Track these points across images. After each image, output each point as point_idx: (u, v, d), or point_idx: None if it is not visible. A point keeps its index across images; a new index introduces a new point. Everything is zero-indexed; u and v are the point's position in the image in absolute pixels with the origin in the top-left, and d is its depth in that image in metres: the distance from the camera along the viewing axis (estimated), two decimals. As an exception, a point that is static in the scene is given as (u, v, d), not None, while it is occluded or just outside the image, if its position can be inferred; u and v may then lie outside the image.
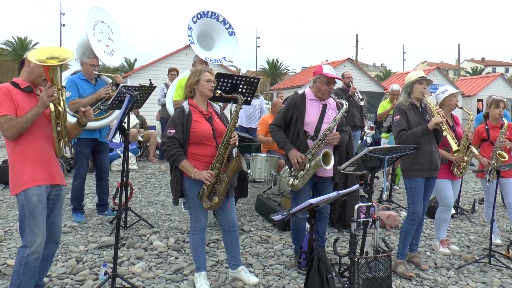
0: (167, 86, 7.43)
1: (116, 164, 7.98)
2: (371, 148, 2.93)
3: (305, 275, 3.01)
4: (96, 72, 4.77)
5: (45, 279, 3.20)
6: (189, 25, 5.62)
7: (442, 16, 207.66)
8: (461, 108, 4.27)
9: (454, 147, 3.72)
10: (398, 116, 3.71)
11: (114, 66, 5.60)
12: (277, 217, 2.83)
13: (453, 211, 5.31)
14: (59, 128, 2.81)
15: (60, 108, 2.76)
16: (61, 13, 32.50)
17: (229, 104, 4.73)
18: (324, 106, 3.61)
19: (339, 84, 5.49)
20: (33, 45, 33.02)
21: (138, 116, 9.67)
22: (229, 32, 5.90)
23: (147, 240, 4.27)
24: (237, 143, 3.16)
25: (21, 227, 2.71)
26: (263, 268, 3.73)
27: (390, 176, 6.57)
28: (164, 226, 4.74)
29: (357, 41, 33.20)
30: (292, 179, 3.55)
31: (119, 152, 8.05)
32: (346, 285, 2.97)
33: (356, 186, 3.10)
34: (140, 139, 9.33)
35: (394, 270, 3.59)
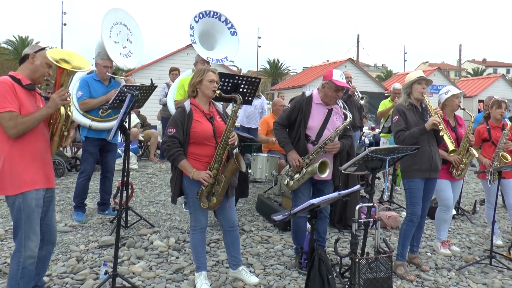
0: (168, 85, 7.41)
1: (117, 164, 7.96)
2: (372, 148, 2.94)
3: (306, 275, 3.01)
4: (109, 74, 4.80)
5: (45, 278, 3.20)
6: (191, 25, 5.61)
7: (444, 17, 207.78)
8: (463, 109, 4.26)
9: (450, 147, 3.71)
10: (397, 117, 3.70)
11: (129, 68, 5.55)
12: (278, 217, 2.82)
13: (454, 212, 5.29)
14: (65, 132, 2.81)
15: (69, 112, 2.77)
16: (62, 13, 32.66)
17: (231, 104, 4.73)
18: (330, 111, 3.59)
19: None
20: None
21: (139, 115, 9.67)
22: (231, 32, 5.89)
23: (148, 239, 4.27)
24: (236, 143, 3.14)
25: (15, 229, 2.64)
26: (263, 268, 3.73)
27: (391, 177, 6.55)
28: (164, 226, 4.74)
29: (358, 42, 33.25)
30: (288, 179, 3.61)
31: (119, 151, 8.04)
32: (347, 286, 2.97)
33: (357, 186, 3.10)
34: (141, 138, 9.33)
35: (394, 272, 3.58)
